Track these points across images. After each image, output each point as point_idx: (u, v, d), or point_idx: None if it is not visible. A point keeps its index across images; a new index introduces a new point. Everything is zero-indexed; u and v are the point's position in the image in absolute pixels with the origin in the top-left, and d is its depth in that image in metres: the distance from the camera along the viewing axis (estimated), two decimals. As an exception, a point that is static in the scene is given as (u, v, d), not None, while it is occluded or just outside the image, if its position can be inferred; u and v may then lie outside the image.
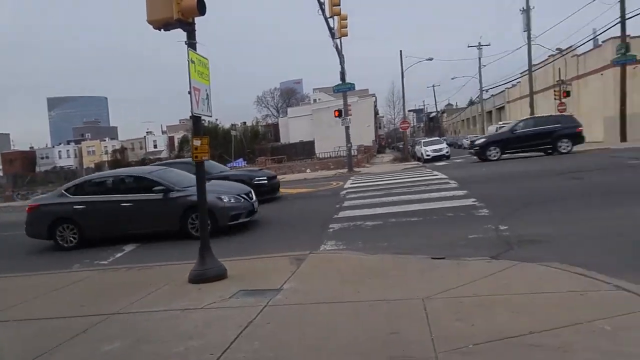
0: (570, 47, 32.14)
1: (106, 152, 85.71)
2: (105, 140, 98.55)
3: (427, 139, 36.04)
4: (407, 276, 5.08)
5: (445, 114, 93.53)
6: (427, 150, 29.04)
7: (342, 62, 24.30)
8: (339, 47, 23.74)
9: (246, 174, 14.20)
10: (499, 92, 52.84)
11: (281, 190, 15.26)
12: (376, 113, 67.78)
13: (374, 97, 65.27)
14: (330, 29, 22.43)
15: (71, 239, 9.29)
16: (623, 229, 6.30)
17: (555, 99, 28.80)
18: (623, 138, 24.49)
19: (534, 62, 33.02)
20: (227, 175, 13.51)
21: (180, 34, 5.40)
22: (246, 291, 4.98)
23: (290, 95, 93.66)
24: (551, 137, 20.44)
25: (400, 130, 41.65)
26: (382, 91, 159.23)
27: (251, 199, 9.78)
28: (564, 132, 20.42)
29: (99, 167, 72.02)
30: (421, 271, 5.19)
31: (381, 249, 6.55)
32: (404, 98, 38.70)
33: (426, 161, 27.90)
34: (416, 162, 29.41)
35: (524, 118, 24.60)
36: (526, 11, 31.11)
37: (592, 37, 30.39)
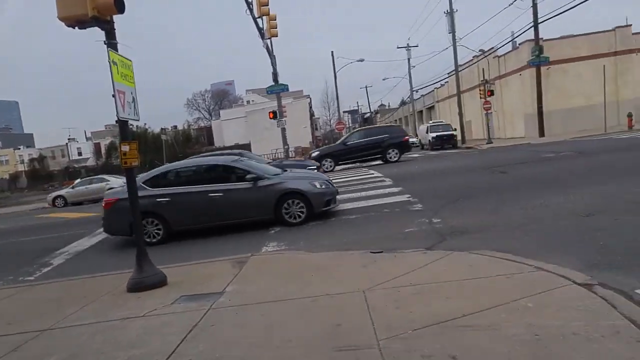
0: (492, 48, 34.42)
1: (22, 162, 79.45)
2: (19, 149, 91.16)
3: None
4: (349, 271, 5.27)
5: (379, 115, 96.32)
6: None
7: (273, 63, 24.27)
8: (270, 47, 23.69)
9: (300, 163, 15.38)
10: (429, 92, 55.36)
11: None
12: (312, 114, 68.43)
13: (308, 98, 65.86)
14: (260, 29, 22.37)
15: (155, 233, 8.79)
16: (543, 216, 6.94)
17: (480, 97, 30.70)
18: (541, 133, 26.66)
19: (460, 63, 35.01)
20: (284, 165, 13.57)
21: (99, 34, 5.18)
22: (188, 296, 4.93)
23: (222, 97, 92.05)
24: (381, 147, 21.95)
25: (336, 131, 42.44)
26: (317, 92, 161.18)
27: (333, 185, 9.94)
28: (392, 141, 22.09)
29: (14, 177, 66.67)
30: (362, 265, 5.40)
31: (323, 247, 6.72)
32: (337, 99, 39.62)
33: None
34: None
35: (356, 129, 26.33)
36: (450, 14, 32.91)
37: (510, 39, 32.83)
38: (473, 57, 37.27)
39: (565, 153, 15.50)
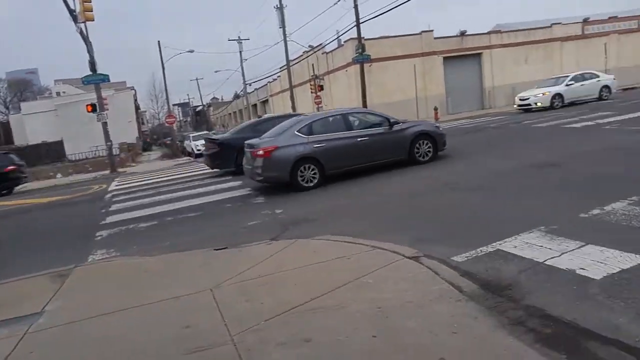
0: (320, 44, 36.62)
1: None
2: None
3: (197, 134, 35.86)
4: (193, 271, 5.07)
5: (211, 108, 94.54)
6: (198, 145, 28.92)
7: (90, 50, 21.71)
8: (85, 32, 21.22)
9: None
10: (263, 86, 56.36)
11: (28, 201, 12.97)
12: (137, 107, 63.66)
13: (133, 90, 61.05)
14: (71, 11, 19.92)
15: (311, 178, 9.47)
16: (376, 200, 7.69)
17: (311, 92, 32.42)
18: (366, 126, 29.41)
19: (291, 58, 36.42)
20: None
21: None
22: (-6, 323, 4.13)
23: (23, 88, 79.27)
24: None
25: (167, 125, 40.27)
26: (144, 85, 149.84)
27: None
28: None
29: None
30: (206, 264, 5.24)
31: (162, 249, 6.32)
32: (166, 91, 37.64)
33: (197, 156, 27.76)
34: (187, 158, 29.01)
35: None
36: (280, 9, 33.93)
37: (336, 37, 35.36)
38: (303, 52, 39.11)
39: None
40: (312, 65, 35.99)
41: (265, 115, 18.10)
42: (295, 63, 39.23)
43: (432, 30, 32.48)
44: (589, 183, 6.86)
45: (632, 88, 30.83)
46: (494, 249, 4.57)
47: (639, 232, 4.50)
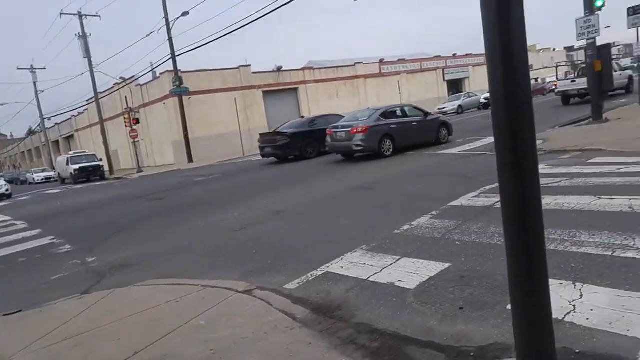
0: (133, 76, 34.69)
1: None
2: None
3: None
4: (-25, 345, 4.11)
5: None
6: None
7: None
8: None
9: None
10: (66, 120, 50.71)
11: None
12: None
13: None
14: None
15: (389, 149, 13.99)
16: (203, 237, 7.39)
17: (126, 126, 30.31)
18: (190, 159, 28.63)
19: (100, 90, 33.63)
20: None
21: None
22: None
23: None
24: None
25: None
26: None
27: None
28: None
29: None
30: (-5, 333, 4.32)
31: None
32: None
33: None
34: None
35: None
36: (83, 37, 31.20)
37: (150, 69, 33.95)
38: (114, 84, 36.53)
39: (214, 175, 17.16)
40: (125, 97, 33.82)
41: (312, 115, 23.89)
42: (106, 95, 36.42)
43: (249, 65, 33.65)
44: (398, 202, 7.75)
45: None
46: (323, 272, 4.77)
47: (439, 242, 5.21)
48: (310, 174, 13.17)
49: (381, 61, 42.32)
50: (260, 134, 20.03)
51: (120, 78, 35.68)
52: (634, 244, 4.23)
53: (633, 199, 5.63)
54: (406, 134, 14.33)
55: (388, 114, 14.67)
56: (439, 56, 47.83)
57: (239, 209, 9.31)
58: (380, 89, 40.67)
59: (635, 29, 15.92)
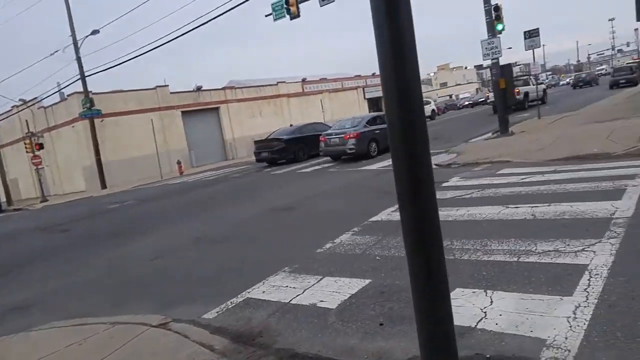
0: (35, 98, 32.35)
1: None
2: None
3: None
4: None
5: None
6: None
7: None
8: None
9: None
10: (-44, 147, 46.02)
11: None
12: None
13: None
14: None
15: (374, 150, 16.54)
16: (113, 270, 6.93)
17: (27, 151, 28.09)
18: (103, 186, 27.01)
19: (-4, 113, 31.00)
20: None
21: None
22: None
23: None
24: None
25: None
26: None
27: None
28: None
29: None
30: None
31: None
32: None
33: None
34: None
35: None
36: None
37: (57, 90, 31.84)
38: (12, 107, 33.81)
39: (129, 202, 16.27)
40: (27, 121, 31.42)
41: (300, 123, 24.94)
42: (3, 119, 33.64)
43: (167, 85, 32.71)
44: (320, 221, 7.79)
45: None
46: (244, 298, 4.65)
47: (360, 258, 5.29)
48: (232, 198, 12.94)
49: (304, 80, 42.95)
50: (255, 141, 22.53)
51: (20, 100, 33.13)
52: (535, 249, 4.56)
53: (534, 207, 6.09)
54: (384, 138, 16.02)
55: (371, 120, 17.43)
56: (359, 75, 49.44)
57: (155, 236, 8.90)
58: (304, 108, 41.16)
59: (531, 50, 17.52)
